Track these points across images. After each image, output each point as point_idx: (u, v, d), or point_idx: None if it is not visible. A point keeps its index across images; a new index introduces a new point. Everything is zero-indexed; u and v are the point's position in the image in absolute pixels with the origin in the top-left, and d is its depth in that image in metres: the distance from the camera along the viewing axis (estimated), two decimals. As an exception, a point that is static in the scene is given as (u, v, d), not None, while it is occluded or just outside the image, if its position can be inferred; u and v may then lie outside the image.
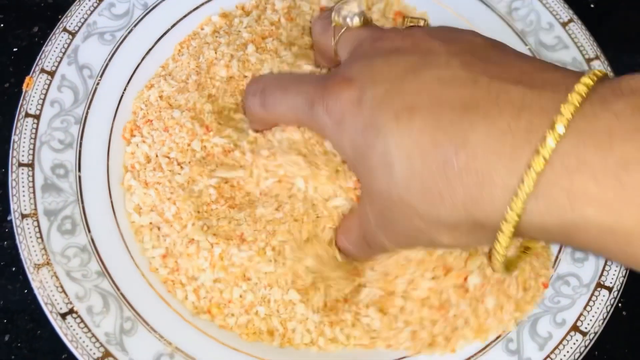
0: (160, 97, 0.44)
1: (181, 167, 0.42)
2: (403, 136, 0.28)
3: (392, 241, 0.34)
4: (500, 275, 0.39)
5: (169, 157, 0.42)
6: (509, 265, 0.36)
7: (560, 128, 0.24)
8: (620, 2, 0.58)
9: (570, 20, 0.48)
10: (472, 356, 0.40)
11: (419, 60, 0.31)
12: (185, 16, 0.47)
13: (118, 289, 0.39)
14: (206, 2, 0.48)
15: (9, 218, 0.44)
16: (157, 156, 0.42)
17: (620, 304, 0.45)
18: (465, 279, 0.40)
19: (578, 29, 0.48)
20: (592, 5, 0.57)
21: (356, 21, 0.37)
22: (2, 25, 0.51)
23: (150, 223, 0.41)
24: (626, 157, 0.23)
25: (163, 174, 0.41)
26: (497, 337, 0.40)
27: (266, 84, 0.40)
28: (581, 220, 0.25)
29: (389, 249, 0.36)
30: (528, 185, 0.25)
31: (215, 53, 0.45)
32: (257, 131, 0.42)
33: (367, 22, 0.38)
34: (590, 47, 0.47)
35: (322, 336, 0.40)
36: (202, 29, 0.47)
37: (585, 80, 0.26)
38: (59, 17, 0.46)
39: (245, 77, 0.44)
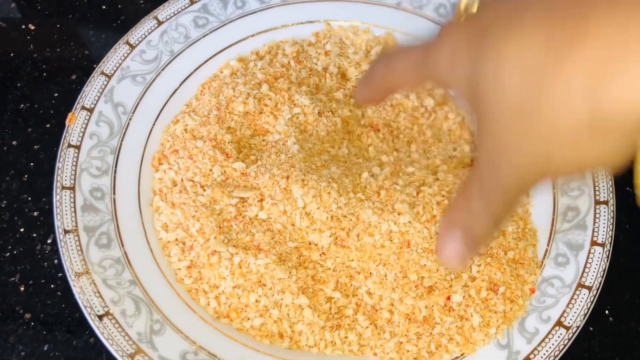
0: (185, 130, 0.49)
1: (204, 189, 0.47)
2: (515, 37, 0.25)
3: (509, 173, 0.28)
4: None
5: (193, 181, 0.47)
6: None
7: None
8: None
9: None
10: (466, 352, 0.43)
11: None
12: (206, 61, 0.54)
13: (148, 295, 0.43)
14: (225, 49, 0.54)
15: (48, 241, 0.49)
16: (182, 180, 0.47)
17: (607, 311, 0.49)
18: (449, 298, 0.44)
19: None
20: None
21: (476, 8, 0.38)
22: (45, 74, 0.58)
23: (177, 239, 0.46)
24: None
25: (188, 195, 0.47)
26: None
27: (391, 51, 0.37)
28: None
29: (508, 189, 0.29)
30: None
31: (234, 91, 0.50)
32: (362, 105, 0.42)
33: None
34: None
35: (323, 339, 0.44)
36: (222, 71, 0.53)
37: None
38: (94, 65, 0.52)
39: (261, 112, 0.50)
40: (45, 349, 0.46)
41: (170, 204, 0.47)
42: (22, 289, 0.48)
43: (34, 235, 0.50)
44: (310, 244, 0.45)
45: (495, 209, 0.30)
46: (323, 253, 0.45)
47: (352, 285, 0.45)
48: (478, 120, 0.30)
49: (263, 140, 0.50)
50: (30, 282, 0.48)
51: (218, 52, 0.54)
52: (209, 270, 0.44)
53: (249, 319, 0.44)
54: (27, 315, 0.47)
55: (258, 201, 0.46)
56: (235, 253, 0.44)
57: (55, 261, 0.48)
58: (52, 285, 0.48)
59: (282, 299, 0.44)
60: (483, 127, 0.29)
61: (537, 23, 0.25)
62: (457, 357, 0.43)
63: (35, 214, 0.50)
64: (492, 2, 0.29)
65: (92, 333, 0.45)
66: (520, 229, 0.47)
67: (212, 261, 0.44)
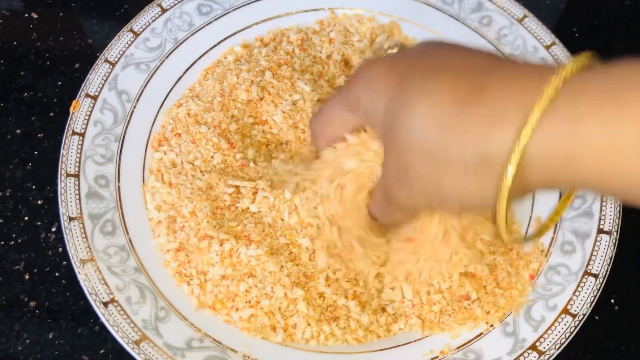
0: (188, 114, 0.49)
1: (202, 174, 0.47)
2: (427, 87, 0.31)
3: (407, 195, 0.36)
4: (509, 243, 0.43)
5: (193, 164, 0.47)
6: (535, 235, 0.41)
7: (569, 67, 0.28)
8: (600, 30, 0.64)
9: (553, 44, 0.53)
10: (472, 339, 0.43)
11: (446, 51, 0.34)
12: (210, 49, 0.53)
13: (153, 283, 0.43)
14: (229, 37, 0.54)
15: (52, 229, 0.49)
16: (182, 162, 0.47)
17: (612, 300, 0.49)
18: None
19: (560, 51, 0.53)
20: (576, 35, 0.63)
21: (396, 50, 0.42)
22: (48, 63, 0.57)
23: (168, 217, 0.46)
24: (622, 83, 0.26)
25: (186, 177, 0.47)
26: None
27: (322, 108, 0.43)
28: (581, 143, 0.27)
29: (404, 207, 0.38)
30: (538, 110, 0.27)
31: (237, 78, 0.50)
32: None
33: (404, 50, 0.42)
34: (571, 66, 0.52)
35: (321, 332, 0.44)
36: (226, 57, 0.53)
37: (578, 58, 0.29)
38: (97, 54, 0.52)
39: (262, 99, 0.50)
40: (50, 337, 0.45)
41: (167, 183, 0.47)
42: (27, 277, 0.47)
43: (39, 223, 0.50)
44: (300, 245, 0.45)
45: (391, 213, 0.40)
46: (313, 253, 0.45)
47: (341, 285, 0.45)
48: (386, 148, 0.36)
49: (263, 132, 0.50)
50: (35, 271, 0.48)
51: (222, 40, 0.54)
52: (197, 255, 0.44)
53: (237, 309, 0.43)
54: (32, 304, 0.47)
55: (252, 194, 0.46)
56: (226, 240, 0.44)
57: (60, 249, 0.48)
58: (57, 274, 0.48)
59: (273, 292, 0.43)
60: (389, 154, 0.36)
61: (446, 85, 0.31)
62: (464, 344, 0.43)
63: (39, 202, 0.50)
64: (408, 51, 0.36)
65: (96, 321, 0.45)
66: None
67: (202, 246, 0.44)
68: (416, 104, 0.31)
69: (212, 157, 0.47)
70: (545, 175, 0.29)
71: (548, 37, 0.54)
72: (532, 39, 0.54)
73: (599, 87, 0.27)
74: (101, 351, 0.45)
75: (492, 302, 0.44)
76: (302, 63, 0.53)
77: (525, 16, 0.55)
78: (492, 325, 0.43)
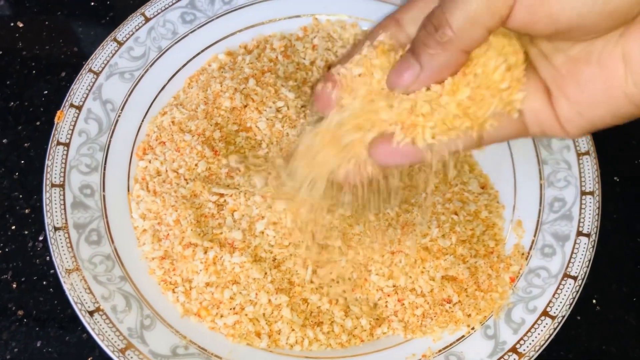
0: (173, 122, 0.50)
1: (186, 182, 0.47)
2: None
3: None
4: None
5: (177, 172, 0.48)
6: None
7: None
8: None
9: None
10: (454, 343, 0.44)
11: None
12: (194, 57, 0.54)
13: (138, 291, 0.44)
14: (213, 44, 0.54)
15: (40, 238, 0.50)
16: (166, 171, 0.48)
17: (594, 300, 0.50)
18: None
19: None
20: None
21: None
22: (34, 72, 0.58)
23: (153, 226, 0.46)
24: None
25: (170, 186, 0.47)
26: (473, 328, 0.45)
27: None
28: None
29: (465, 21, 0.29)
30: None
31: (221, 86, 0.51)
32: None
33: None
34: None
35: (305, 337, 0.44)
36: (210, 65, 0.54)
37: None
38: (83, 62, 0.52)
39: (246, 106, 0.50)
40: (38, 345, 0.46)
41: (152, 192, 0.47)
42: (15, 286, 0.48)
43: (26, 232, 0.50)
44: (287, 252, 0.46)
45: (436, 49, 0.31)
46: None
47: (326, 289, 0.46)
48: None
49: (247, 138, 0.50)
50: (23, 279, 0.48)
51: (206, 48, 0.54)
52: (182, 262, 0.45)
53: (222, 316, 0.44)
54: (20, 312, 0.47)
55: (234, 200, 0.46)
56: (210, 247, 0.44)
57: (47, 258, 0.49)
58: (44, 282, 0.48)
59: (257, 299, 0.44)
60: None
61: None
62: (445, 347, 0.44)
63: (26, 211, 0.51)
64: None
65: (84, 329, 0.45)
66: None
67: (187, 253, 0.44)
68: None
69: (196, 165, 0.48)
70: None
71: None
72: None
73: None
74: (89, 359, 0.45)
75: (473, 305, 0.45)
76: (285, 70, 0.54)
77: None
78: (473, 328, 0.44)
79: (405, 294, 0.45)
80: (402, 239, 0.45)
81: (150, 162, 0.48)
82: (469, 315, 0.44)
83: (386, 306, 0.45)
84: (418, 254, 0.45)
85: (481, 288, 0.45)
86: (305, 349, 0.44)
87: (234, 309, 0.44)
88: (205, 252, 0.44)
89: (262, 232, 0.45)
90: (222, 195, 0.46)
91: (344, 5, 0.56)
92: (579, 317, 0.48)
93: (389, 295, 0.45)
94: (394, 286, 0.45)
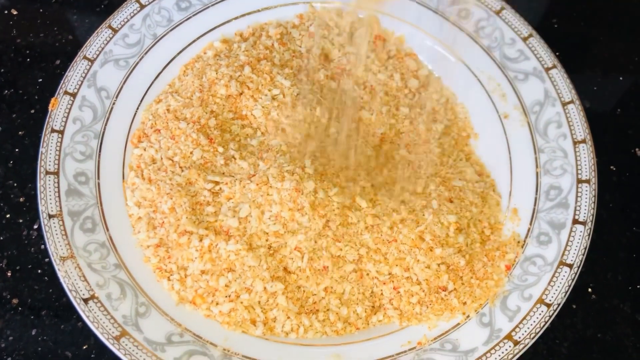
0: (168, 110, 0.49)
1: (182, 170, 0.47)
2: None
3: None
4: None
5: (172, 160, 0.47)
6: None
7: None
8: (580, 21, 0.64)
9: (530, 35, 0.54)
10: (449, 330, 0.44)
11: None
12: (189, 44, 0.53)
13: (133, 279, 0.44)
14: (208, 32, 0.54)
15: (34, 227, 0.49)
16: (162, 159, 0.48)
17: (590, 289, 0.50)
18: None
19: (537, 43, 0.53)
20: (555, 25, 0.63)
21: None
22: (28, 59, 0.57)
23: (148, 214, 0.46)
24: None
25: (166, 173, 0.47)
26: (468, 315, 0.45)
27: None
28: None
29: None
30: None
31: (216, 74, 0.50)
32: None
33: None
34: (548, 57, 0.53)
35: (301, 325, 0.44)
36: (205, 52, 0.53)
37: None
38: (78, 51, 0.52)
39: (241, 94, 0.50)
40: (33, 333, 0.46)
41: (147, 180, 0.47)
42: (9, 274, 0.48)
43: (20, 221, 0.50)
44: (282, 240, 0.45)
45: None
46: (297, 248, 0.45)
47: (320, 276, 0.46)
48: None
49: (243, 126, 0.50)
50: (17, 268, 0.48)
51: (201, 35, 0.54)
52: (177, 250, 0.44)
53: (217, 304, 0.44)
54: (15, 301, 0.47)
55: (230, 188, 0.46)
56: (205, 235, 0.44)
57: (42, 246, 0.49)
58: (39, 271, 0.48)
59: (252, 287, 0.44)
60: None
61: None
62: (440, 335, 0.44)
63: (21, 199, 0.50)
64: None
65: (79, 317, 0.45)
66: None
67: (182, 241, 0.44)
68: None
69: (191, 152, 0.47)
70: None
71: (525, 29, 0.54)
72: (510, 31, 0.54)
73: None
74: (84, 347, 0.45)
75: (468, 293, 0.44)
76: (281, 57, 0.53)
77: (502, 8, 0.55)
78: (468, 316, 0.44)
79: (400, 282, 0.45)
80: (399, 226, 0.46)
81: (145, 149, 0.48)
82: (465, 303, 0.44)
83: (382, 294, 0.45)
84: (413, 242, 0.45)
85: (477, 276, 0.45)
86: (300, 337, 0.44)
87: (229, 296, 0.44)
88: (201, 240, 0.44)
89: (258, 220, 0.45)
90: (217, 183, 0.46)
91: (341, -7, 0.56)
92: (574, 306, 0.49)
93: (384, 284, 0.45)
94: (389, 274, 0.45)
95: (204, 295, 0.44)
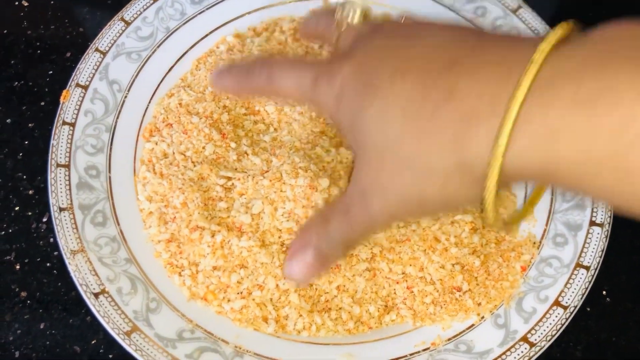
0: (180, 104, 0.49)
1: (194, 165, 0.46)
2: (397, 94, 0.30)
3: (382, 211, 0.33)
4: (496, 230, 0.41)
5: (184, 155, 0.47)
6: (515, 219, 0.38)
7: (534, 67, 0.26)
8: (596, 22, 0.63)
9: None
10: (463, 331, 0.43)
11: (412, 33, 0.33)
12: (202, 38, 0.53)
13: (144, 274, 0.43)
14: (221, 26, 0.54)
15: (43, 220, 0.49)
16: (174, 153, 0.47)
17: (604, 292, 0.49)
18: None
19: (554, 42, 0.53)
20: (571, 25, 0.62)
21: (357, 18, 0.38)
22: (39, 51, 0.57)
23: (159, 209, 0.46)
24: (594, 86, 0.24)
25: (178, 168, 0.46)
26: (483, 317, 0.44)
27: (275, 61, 0.40)
28: (556, 154, 0.26)
29: (371, 222, 0.34)
30: (508, 123, 0.26)
31: None
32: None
33: (367, 19, 0.39)
34: (566, 57, 0.52)
35: (313, 323, 0.44)
36: (218, 47, 0.53)
37: (559, 30, 0.27)
38: (89, 43, 0.52)
39: None
40: (42, 327, 0.45)
41: (158, 174, 0.46)
42: (18, 267, 0.47)
43: (29, 213, 0.49)
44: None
45: (354, 237, 0.34)
46: None
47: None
48: (356, 157, 0.34)
49: (255, 122, 0.49)
50: (26, 261, 0.47)
51: (214, 29, 0.53)
52: (189, 246, 0.44)
53: (229, 300, 0.43)
54: (23, 294, 0.46)
55: (242, 184, 0.46)
56: (218, 231, 0.43)
57: (51, 239, 0.48)
58: (48, 264, 0.48)
59: (265, 283, 0.43)
60: (361, 164, 0.33)
61: (416, 84, 0.29)
62: (455, 335, 0.43)
63: (30, 192, 0.50)
64: (373, 38, 0.33)
65: (88, 311, 0.45)
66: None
67: (194, 237, 0.44)
68: (390, 112, 0.30)
69: (203, 147, 0.47)
70: (526, 177, 0.29)
71: (542, 27, 0.53)
72: (527, 30, 0.53)
73: (570, 92, 0.25)
74: (92, 342, 0.45)
75: (483, 294, 0.44)
76: (295, 53, 0.53)
77: (519, 7, 0.54)
78: (483, 317, 0.43)
79: (414, 282, 0.44)
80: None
81: (156, 144, 0.48)
82: (479, 304, 0.44)
83: (395, 293, 0.45)
84: (427, 243, 0.44)
85: (492, 277, 0.45)
86: (312, 335, 0.43)
87: (241, 293, 0.43)
88: (213, 236, 0.43)
89: (271, 217, 0.44)
90: (229, 178, 0.46)
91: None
92: (588, 309, 0.48)
93: (397, 283, 0.44)
94: (403, 273, 0.44)
95: (216, 291, 0.43)
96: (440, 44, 0.31)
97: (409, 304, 0.44)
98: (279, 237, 0.44)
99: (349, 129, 0.34)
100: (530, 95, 0.26)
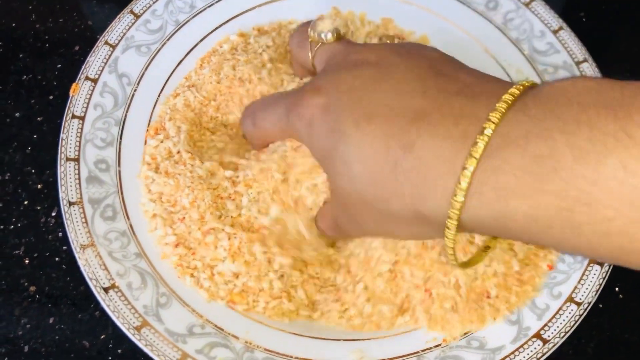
0: (187, 105, 0.48)
1: (202, 162, 0.46)
2: (361, 141, 0.32)
3: (356, 232, 0.39)
4: (458, 268, 0.41)
5: (191, 153, 0.46)
6: (471, 262, 0.41)
7: (488, 132, 0.28)
8: (608, 15, 0.63)
9: (560, 28, 0.52)
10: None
11: (380, 72, 0.34)
12: (212, 31, 0.52)
13: (154, 268, 0.43)
14: (232, 19, 0.53)
15: (52, 214, 0.49)
16: (179, 152, 0.46)
17: (617, 288, 0.49)
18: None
19: (568, 36, 0.52)
20: (583, 19, 0.62)
21: (330, 37, 0.41)
22: (47, 45, 0.57)
23: (165, 209, 0.45)
24: (537, 153, 0.27)
25: (185, 167, 0.45)
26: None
27: (256, 105, 0.44)
28: (509, 212, 0.28)
29: (355, 236, 0.41)
30: (464, 183, 0.28)
31: (234, 71, 0.49)
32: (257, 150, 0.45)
33: (340, 38, 0.41)
34: (579, 51, 0.51)
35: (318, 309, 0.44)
36: (221, 46, 0.52)
37: (513, 90, 0.30)
38: (97, 37, 0.51)
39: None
40: (51, 321, 0.45)
41: (164, 172, 0.46)
42: (27, 261, 0.47)
43: (38, 208, 0.49)
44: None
45: (345, 236, 0.42)
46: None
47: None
48: (331, 187, 0.39)
49: None
50: (35, 255, 0.47)
51: (225, 22, 0.53)
52: (203, 248, 0.43)
53: (258, 302, 0.43)
54: (32, 288, 0.46)
55: (246, 176, 0.45)
56: (234, 234, 0.43)
57: (60, 234, 0.48)
58: (57, 258, 0.47)
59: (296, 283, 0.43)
60: (333, 194, 0.38)
61: (379, 134, 0.31)
62: (467, 332, 0.42)
63: (39, 186, 0.50)
64: (346, 82, 0.35)
65: (97, 306, 0.45)
66: None
67: (208, 240, 0.43)
68: (353, 159, 0.32)
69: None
70: (484, 230, 0.32)
71: (555, 21, 0.53)
72: (539, 23, 0.53)
73: (518, 157, 0.27)
74: (102, 337, 0.45)
75: (504, 300, 0.42)
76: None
77: (532, 0, 0.54)
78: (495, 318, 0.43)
79: (435, 284, 0.43)
80: None
81: (162, 141, 0.47)
82: (498, 310, 0.43)
83: (413, 296, 0.43)
84: (462, 248, 0.43)
85: (521, 279, 0.43)
86: (315, 319, 0.44)
87: (273, 296, 0.43)
88: (229, 239, 0.43)
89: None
90: (236, 168, 0.45)
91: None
92: (601, 305, 0.48)
93: (417, 287, 0.43)
94: (427, 278, 0.43)
95: (243, 293, 0.43)
96: (406, 91, 0.32)
97: (426, 307, 0.43)
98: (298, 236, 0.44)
99: (321, 162, 0.38)
100: (485, 156, 0.28)
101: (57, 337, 0.45)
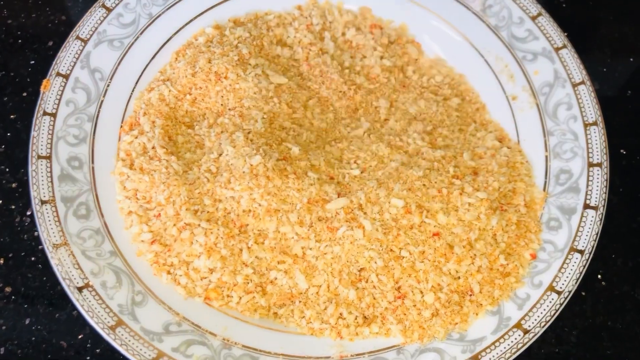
0: (161, 99, 0.48)
1: (177, 158, 0.45)
2: None
3: None
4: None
5: (166, 149, 0.46)
6: None
7: None
8: (588, 1, 0.62)
9: (539, 14, 0.52)
10: (457, 318, 0.42)
11: None
12: (187, 24, 0.51)
13: (129, 266, 0.42)
14: (207, 10, 0.52)
15: (27, 213, 0.48)
16: (153, 148, 0.46)
17: (599, 276, 0.48)
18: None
19: (547, 22, 0.51)
20: (563, 5, 0.61)
21: None
22: (20, 41, 0.56)
23: (141, 206, 0.44)
24: None
25: (160, 162, 0.45)
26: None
27: None
28: None
29: None
30: None
31: (210, 64, 0.48)
32: None
33: None
34: (558, 37, 0.51)
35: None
36: (196, 39, 0.51)
37: None
38: (71, 32, 0.50)
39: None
40: (27, 322, 0.44)
41: (138, 169, 0.45)
42: (2, 262, 0.46)
43: (13, 207, 0.48)
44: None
45: None
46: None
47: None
48: None
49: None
50: (10, 255, 0.47)
51: (199, 14, 0.52)
52: (179, 244, 0.43)
53: (232, 297, 0.42)
54: (8, 289, 0.45)
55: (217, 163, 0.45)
56: (209, 229, 0.42)
57: (35, 234, 0.47)
58: (33, 258, 0.47)
59: (276, 278, 0.43)
60: None
61: None
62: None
63: (13, 185, 0.49)
64: None
65: (74, 306, 0.44)
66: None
67: (184, 236, 0.42)
68: None
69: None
70: None
71: (534, 7, 0.52)
72: (518, 10, 0.52)
73: None
74: (79, 336, 0.44)
75: (487, 295, 0.42)
76: (272, 52, 0.52)
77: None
78: (477, 314, 0.42)
79: (409, 290, 0.42)
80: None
81: (136, 137, 0.46)
82: (480, 305, 0.42)
83: (380, 303, 0.43)
84: (438, 252, 0.43)
85: (504, 271, 0.43)
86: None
87: (248, 290, 0.42)
88: (206, 235, 0.42)
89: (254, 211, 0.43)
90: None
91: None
92: (583, 293, 0.47)
93: (384, 294, 0.42)
94: (396, 284, 0.43)
95: (218, 288, 0.42)
96: None
97: (399, 316, 0.42)
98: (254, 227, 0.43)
99: None
100: None
101: (33, 338, 0.44)
